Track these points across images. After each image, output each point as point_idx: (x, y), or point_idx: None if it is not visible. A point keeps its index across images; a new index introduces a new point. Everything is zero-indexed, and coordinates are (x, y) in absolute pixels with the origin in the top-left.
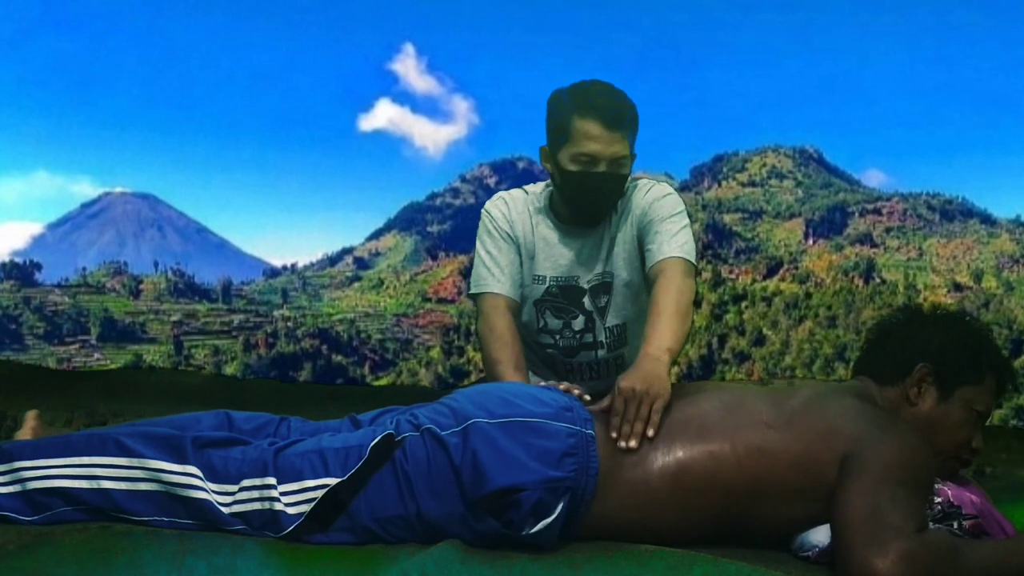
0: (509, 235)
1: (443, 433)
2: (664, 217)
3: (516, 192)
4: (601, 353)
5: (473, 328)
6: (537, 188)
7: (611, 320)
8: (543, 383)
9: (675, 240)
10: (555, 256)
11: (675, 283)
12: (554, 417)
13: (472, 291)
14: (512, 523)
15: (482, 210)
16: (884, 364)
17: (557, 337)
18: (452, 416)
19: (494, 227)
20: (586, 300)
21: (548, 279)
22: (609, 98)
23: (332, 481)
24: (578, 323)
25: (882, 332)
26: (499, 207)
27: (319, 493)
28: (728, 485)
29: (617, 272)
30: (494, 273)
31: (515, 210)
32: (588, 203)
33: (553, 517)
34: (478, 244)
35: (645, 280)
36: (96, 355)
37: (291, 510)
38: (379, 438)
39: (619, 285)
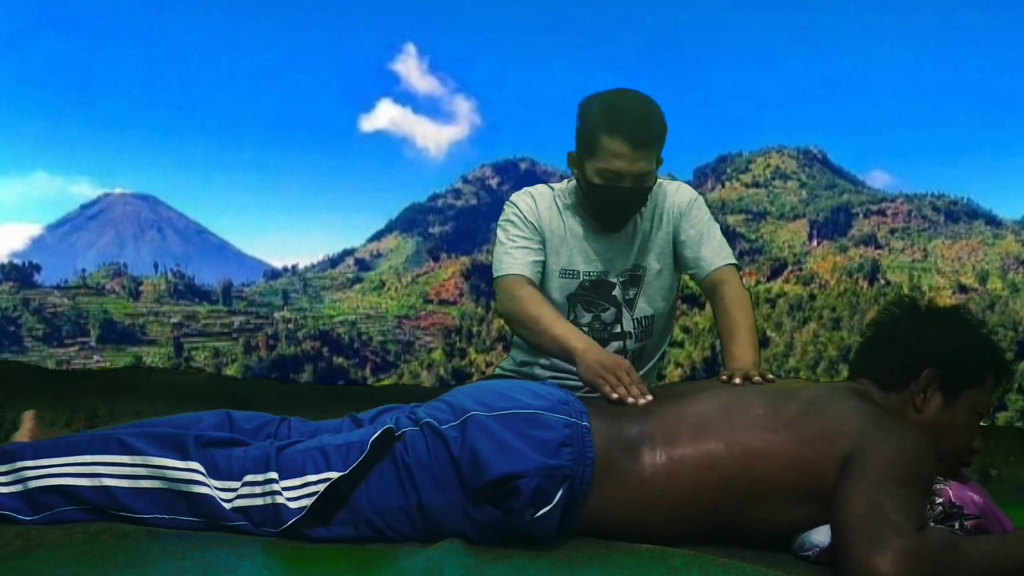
0: (535, 226)
1: (442, 427)
2: (703, 220)
3: (542, 188)
4: (629, 343)
5: (474, 330)
6: (563, 185)
7: (639, 311)
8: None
9: (723, 247)
10: (586, 251)
11: (741, 294)
12: (550, 409)
13: (495, 275)
14: (512, 510)
15: (507, 201)
16: (887, 369)
17: (586, 329)
18: (450, 411)
19: (519, 217)
20: (616, 292)
21: (580, 274)
22: (637, 116)
23: (334, 475)
24: (608, 315)
25: (882, 334)
26: (525, 200)
27: (321, 487)
28: (722, 485)
29: (649, 265)
30: (517, 257)
31: (542, 205)
32: (611, 215)
33: (552, 504)
34: (500, 232)
35: (674, 273)
36: (96, 357)
37: (293, 504)
38: (379, 432)
39: (650, 278)
